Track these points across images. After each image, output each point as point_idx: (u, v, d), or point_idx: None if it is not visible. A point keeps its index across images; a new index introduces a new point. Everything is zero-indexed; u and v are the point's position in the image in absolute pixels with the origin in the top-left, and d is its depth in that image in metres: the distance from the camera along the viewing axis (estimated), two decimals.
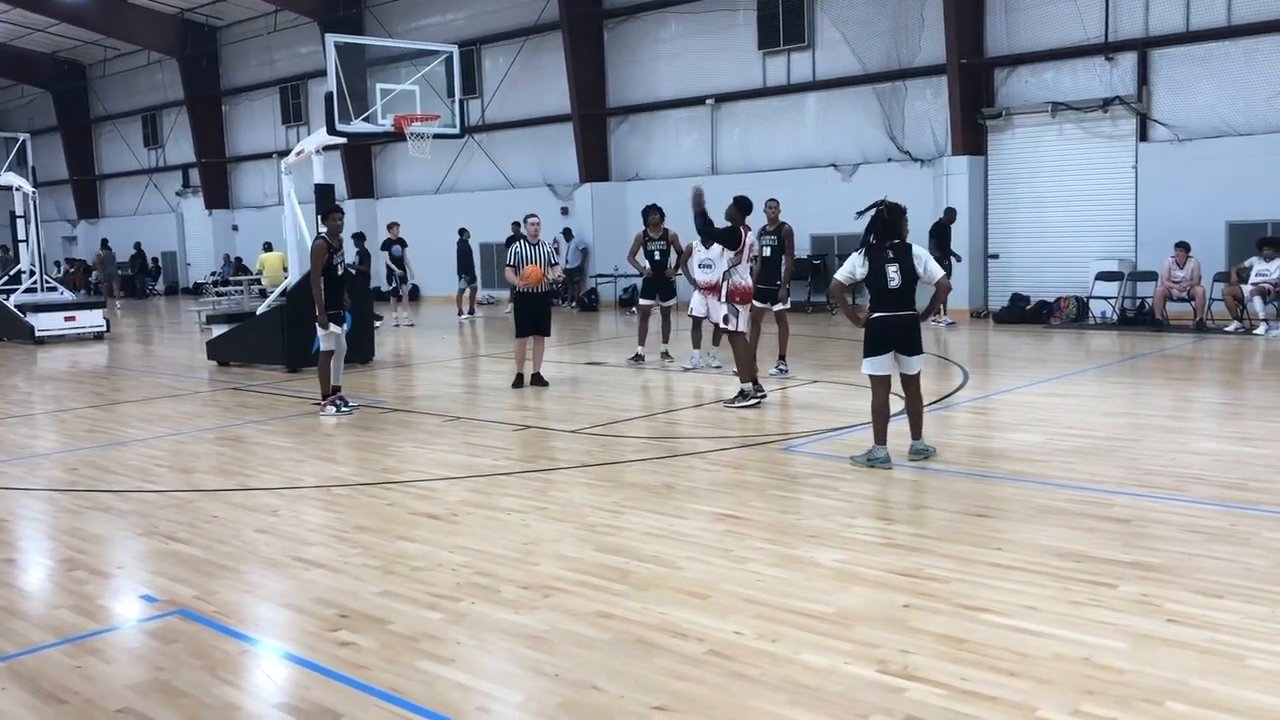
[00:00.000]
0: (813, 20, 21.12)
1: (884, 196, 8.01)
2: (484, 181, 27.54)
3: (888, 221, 7.68)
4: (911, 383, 7.85)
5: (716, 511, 6.65)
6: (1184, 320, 16.34)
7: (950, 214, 18.19)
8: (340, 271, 10.84)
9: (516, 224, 21.26)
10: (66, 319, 20.06)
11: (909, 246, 7.73)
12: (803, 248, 19.02)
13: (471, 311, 22.70)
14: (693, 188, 10.61)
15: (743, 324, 10.61)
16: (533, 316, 12.02)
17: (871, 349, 7.69)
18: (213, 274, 32.26)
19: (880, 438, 7.68)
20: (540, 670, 4.35)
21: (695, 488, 7.31)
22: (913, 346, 7.74)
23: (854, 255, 7.74)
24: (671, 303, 13.79)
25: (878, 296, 7.65)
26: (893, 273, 7.57)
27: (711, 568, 5.56)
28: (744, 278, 10.61)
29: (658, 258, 13.59)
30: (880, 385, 7.71)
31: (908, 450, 7.87)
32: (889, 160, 20.38)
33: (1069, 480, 7.19)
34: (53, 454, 9.42)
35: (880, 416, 7.71)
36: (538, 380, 12.16)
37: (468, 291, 22.56)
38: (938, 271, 7.85)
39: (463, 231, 22.70)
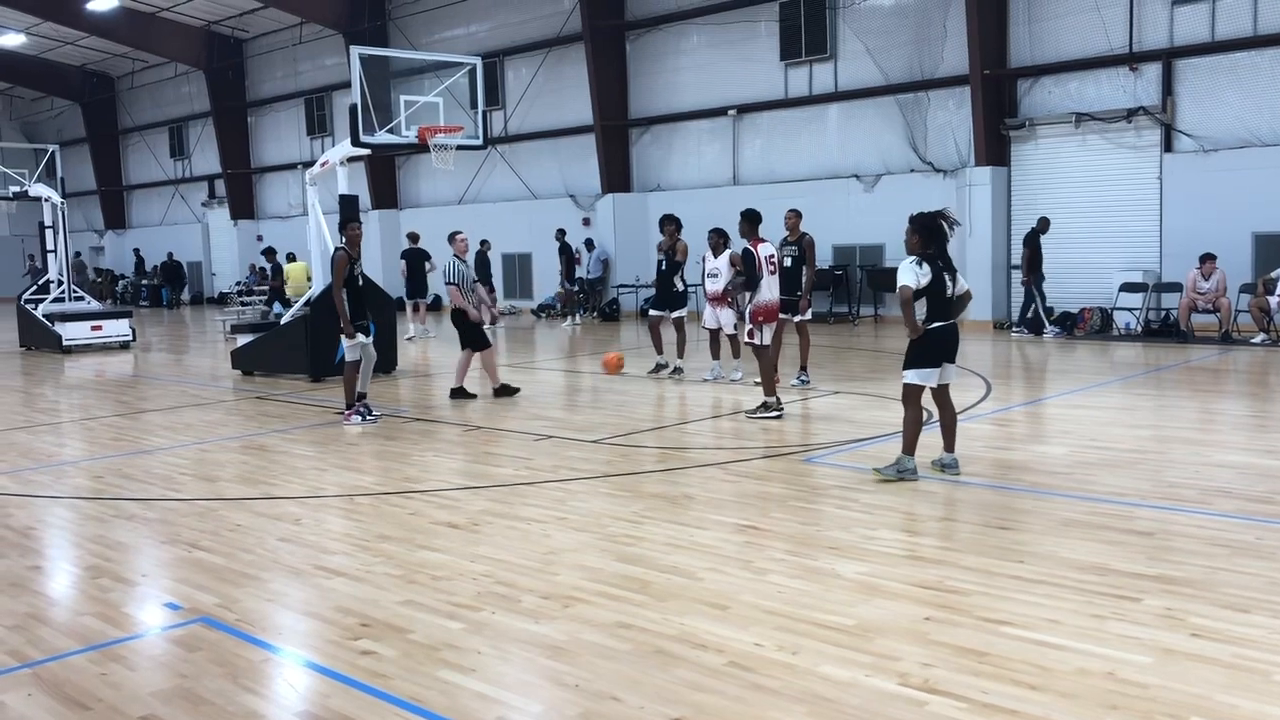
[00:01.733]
0: (835, 31, 21.12)
1: (943, 207, 7.90)
2: (506, 192, 27.66)
3: (943, 231, 7.58)
4: (945, 393, 7.80)
5: (737, 522, 6.64)
6: (1209, 332, 16.22)
7: (1044, 223, 17.89)
8: (360, 282, 10.92)
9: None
10: (93, 328, 20.25)
11: (949, 257, 7.68)
12: (824, 258, 18.98)
13: (493, 321, 22.71)
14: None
15: (767, 338, 10.59)
16: (475, 329, 12.16)
17: (926, 360, 7.53)
18: (238, 284, 32.53)
19: (911, 449, 7.61)
20: (560, 680, 4.36)
21: (715, 498, 7.31)
22: (955, 356, 7.71)
23: (910, 264, 7.47)
24: (681, 313, 13.50)
25: (937, 306, 7.51)
26: (949, 281, 7.51)
27: (731, 579, 5.55)
28: (771, 293, 10.59)
29: (663, 268, 13.53)
30: (919, 395, 7.60)
31: (931, 463, 7.82)
32: (911, 171, 20.35)
33: (1092, 493, 7.14)
34: (79, 462, 9.51)
35: (917, 426, 7.61)
36: (505, 391, 12.32)
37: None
38: (965, 283, 7.80)
39: (484, 243, 22.78)
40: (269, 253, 25.86)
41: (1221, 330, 15.97)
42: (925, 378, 7.55)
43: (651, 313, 13.95)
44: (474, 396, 12.26)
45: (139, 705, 4.25)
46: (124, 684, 4.48)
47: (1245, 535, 6.05)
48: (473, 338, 12.20)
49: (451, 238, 12.49)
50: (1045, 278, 17.68)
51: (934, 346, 7.53)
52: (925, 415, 7.77)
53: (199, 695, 4.32)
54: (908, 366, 7.60)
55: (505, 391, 12.34)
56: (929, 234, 7.53)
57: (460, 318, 12.18)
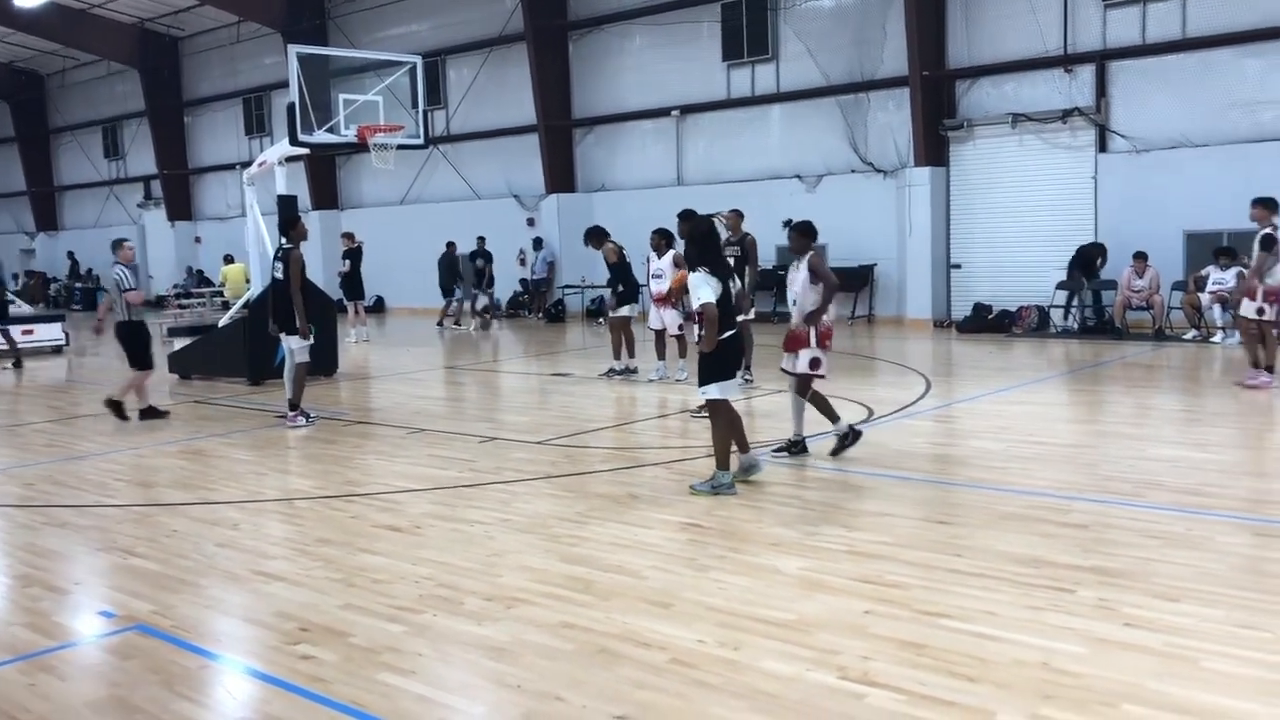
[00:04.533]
0: (776, 32, 21.26)
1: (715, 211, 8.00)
2: (450, 192, 27.47)
3: (718, 237, 7.58)
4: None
5: (680, 520, 6.66)
6: (1143, 329, 16.57)
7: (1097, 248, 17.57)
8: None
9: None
10: (24, 332, 19.77)
11: (724, 262, 7.57)
12: (767, 258, 19.08)
13: (458, 323, 22.69)
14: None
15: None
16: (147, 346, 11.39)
17: (725, 371, 7.34)
18: (175, 286, 31.99)
19: (725, 462, 7.34)
20: (502, 681, 4.34)
21: (659, 497, 7.32)
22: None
23: (703, 277, 7.17)
24: (623, 313, 13.46)
25: (725, 315, 7.30)
26: (731, 287, 7.43)
27: (675, 577, 5.57)
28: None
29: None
30: (726, 408, 7.40)
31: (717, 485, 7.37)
32: (852, 171, 20.53)
33: (1029, 487, 7.26)
34: (8, 469, 9.28)
35: (728, 440, 7.37)
36: (151, 413, 11.46)
37: (461, 304, 22.64)
38: (737, 281, 7.82)
39: (450, 245, 22.62)
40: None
41: (1155, 327, 16.31)
42: (727, 390, 7.35)
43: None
44: (167, 414, 11.51)
45: (71, 716, 4.16)
46: (55, 695, 4.39)
47: (1176, 526, 6.18)
48: (142, 355, 11.33)
49: (118, 245, 11.49)
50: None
51: (729, 356, 7.34)
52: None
53: (133, 704, 4.24)
54: (706, 382, 7.31)
55: (152, 414, 11.43)
56: (703, 242, 7.31)
57: (132, 331, 11.28)
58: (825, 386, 8.29)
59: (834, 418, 8.20)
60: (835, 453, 8.21)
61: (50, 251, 40.74)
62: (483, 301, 22.24)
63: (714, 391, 7.34)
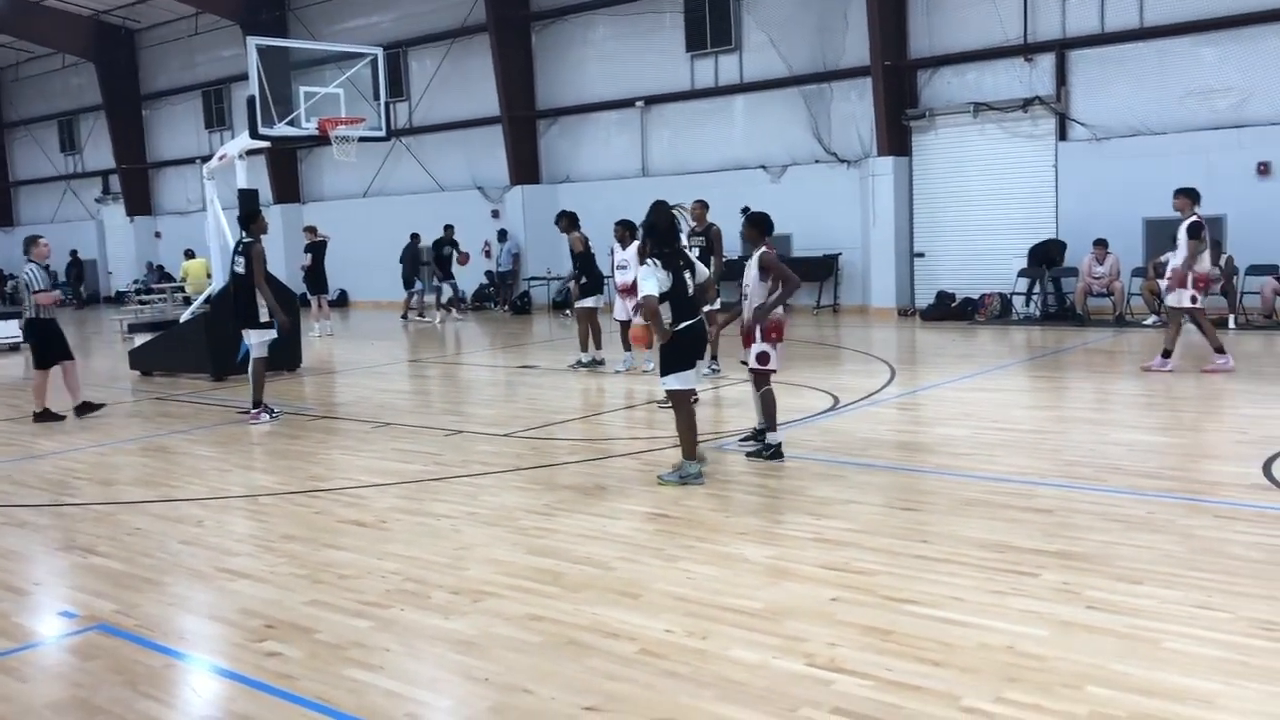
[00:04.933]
0: (739, 23, 21.26)
1: (678, 203, 7.85)
2: (413, 184, 27.30)
3: (676, 229, 7.54)
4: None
5: (648, 511, 6.67)
6: (1104, 315, 16.75)
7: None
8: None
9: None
10: None
11: (685, 253, 7.58)
12: (732, 248, 19.15)
13: (421, 314, 22.60)
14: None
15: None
16: (59, 339, 11.22)
17: (683, 362, 7.33)
18: (135, 282, 31.59)
19: (691, 452, 7.40)
20: (470, 675, 4.33)
21: (627, 488, 7.32)
22: (704, 352, 7.64)
23: (650, 269, 7.18)
24: (588, 304, 13.46)
25: (682, 306, 7.31)
26: (688, 278, 7.38)
27: (643, 567, 5.57)
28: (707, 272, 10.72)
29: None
30: (687, 399, 7.42)
31: (685, 475, 7.39)
32: (816, 161, 20.59)
33: (993, 472, 7.33)
34: None
35: (693, 429, 7.42)
36: (86, 408, 11.33)
37: (422, 296, 22.58)
38: (706, 271, 7.76)
39: (414, 236, 22.57)
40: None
41: (1116, 313, 16.50)
42: (686, 380, 7.33)
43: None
44: (63, 418, 11.25)
45: (32, 718, 4.11)
46: (15, 697, 4.33)
47: (1138, 510, 6.26)
48: (56, 350, 11.19)
49: (31, 243, 11.28)
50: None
51: (687, 347, 7.30)
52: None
53: (96, 705, 4.19)
54: (666, 373, 7.34)
55: (87, 409, 11.36)
56: (655, 234, 7.32)
57: (38, 330, 11.14)
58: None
59: (772, 425, 7.97)
60: (751, 454, 8.01)
61: (5, 249, 40.06)
62: (448, 293, 22.13)
63: (673, 383, 7.34)
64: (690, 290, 7.36)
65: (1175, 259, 11.40)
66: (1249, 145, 16.18)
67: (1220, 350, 11.32)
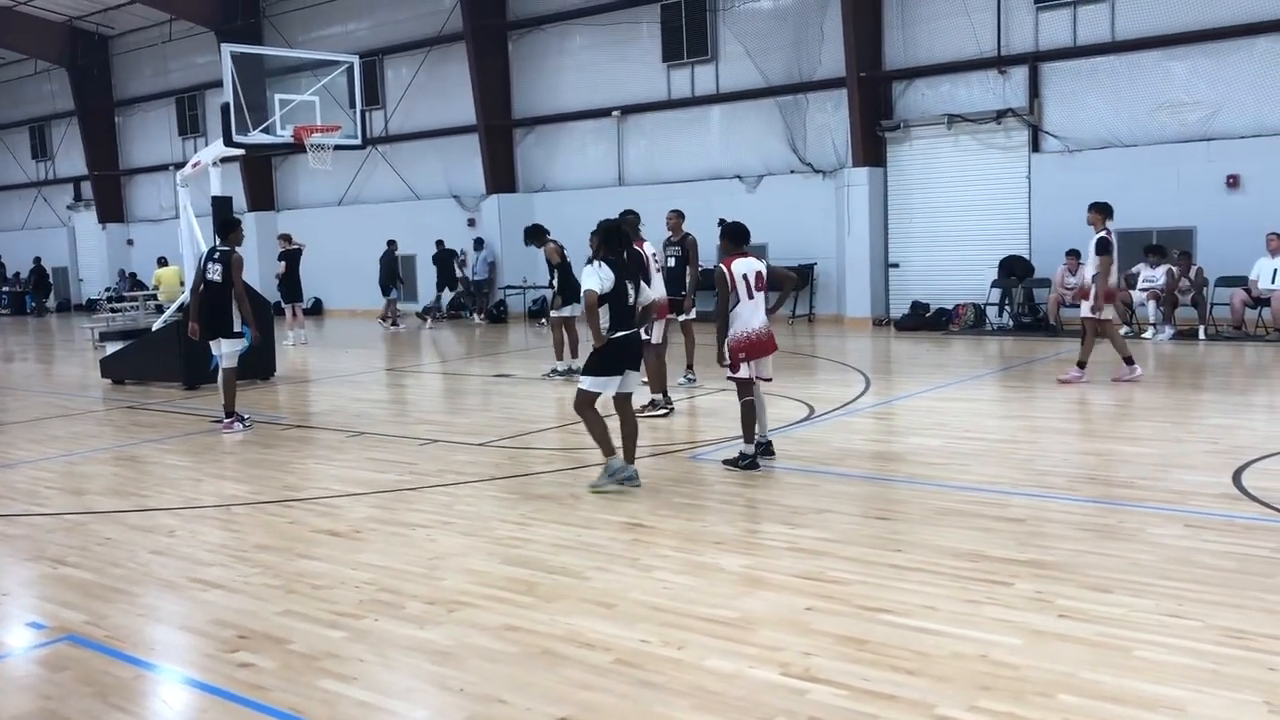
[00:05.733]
0: (715, 33, 21.35)
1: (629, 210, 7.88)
2: (389, 193, 27.23)
3: (626, 236, 7.54)
4: (625, 402, 7.62)
5: (624, 521, 6.66)
6: (1076, 325, 16.83)
7: None
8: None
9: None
10: None
11: (635, 265, 7.63)
12: (708, 258, 19.19)
13: (395, 323, 22.53)
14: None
15: (656, 336, 10.70)
16: None
17: (606, 368, 7.36)
18: (107, 290, 31.34)
19: (610, 450, 7.44)
20: (445, 685, 4.31)
21: (603, 498, 7.31)
22: (639, 364, 7.59)
23: (593, 268, 7.28)
24: (565, 313, 13.42)
25: (620, 314, 7.33)
26: (631, 289, 7.40)
27: (619, 577, 5.57)
28: (658, 291, 10.74)
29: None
30: (590, 402, 7.41)
31: (607, 477, 7.45)
32: (792, 172, 20.70)
33: (966, 482, 7.37)
34: None
35: (601, 428, 7.43)
36: None
37: (395, 304, 22.56)
38: (653, 293, 7.77)
39: (390, 244, 22.52)
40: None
41: None
42: (601, 385, 7.35)
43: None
44: None
45: None
46: None
47: (1109, 519, 6.32)
48: None
49: None
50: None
51: (616, 355, 7.31)
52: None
53: (65, 717, 4.15)
54: (585, 373, 7.45)
55: None
56: (608, 238, 7.37)
57: None
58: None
59: (748, 437, 7.91)
60: (727, 463, 8.01)
61: None
62: (447, 298, 22.24)
63: (585, 382, 7.41)
64: (631, 300, 7.36)
65: (1085, 273, 11.65)
66: (1218, 158, 16.38)
67: (1129, 361, 11.62)
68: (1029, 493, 7.02)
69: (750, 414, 7.92)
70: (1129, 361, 11.58)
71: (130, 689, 4.46)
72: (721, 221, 8.16)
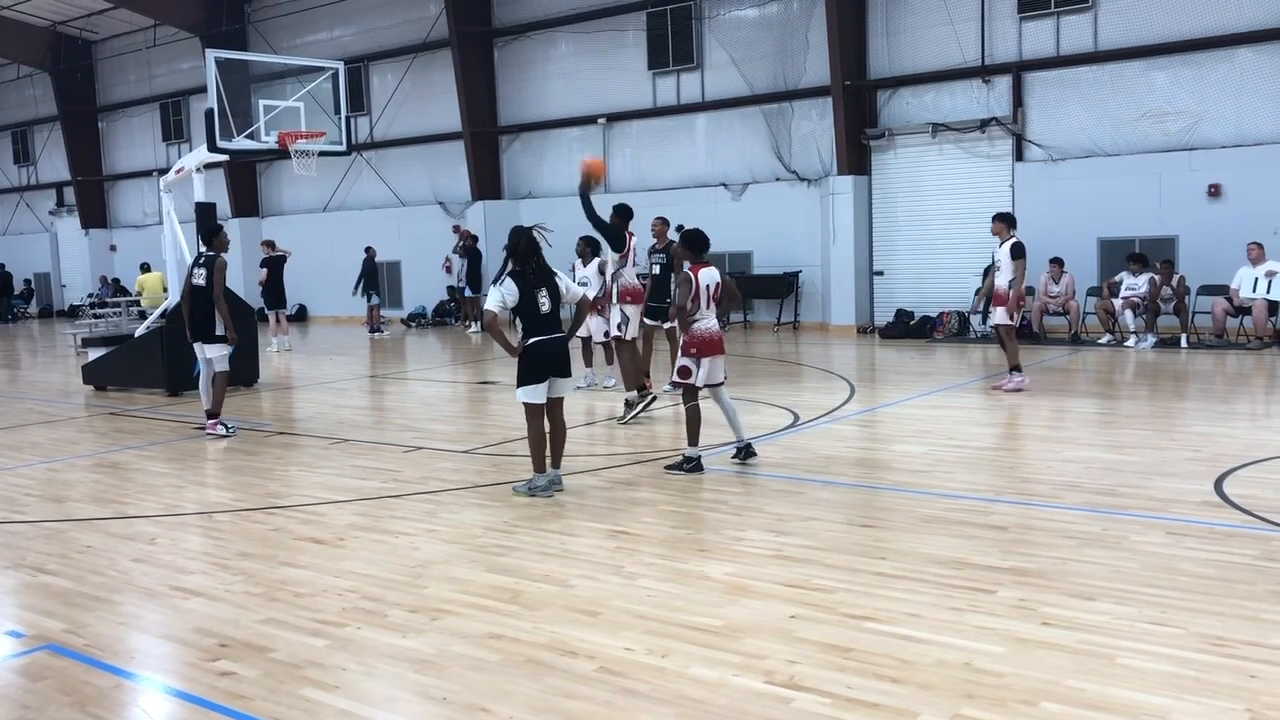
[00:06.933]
0: (701, 42, 21.40)
1: (538, 222, 7.83)
2: (374, 199, 27.19)
3: (534, 248, 7.54)
4: (556, 408, 7.69)
5: (608, 528, 6.65)
6: (1059, 333, 16.97)
7: None
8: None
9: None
10: None
11: (547, 271, 7.59)
12: None
13: (377, 329, 22.47)
14: (585, 158, 9.69)
15: (632, 330, 10.77)
16: None
17: (530, 376, 7.47)
18: (89, 296, 31.14)
19: (540, 465, 7.57)
20: (428, 694, 4.29)
21: (587, 505, 7.30)
22: (567, 369, 7.64)
23: (496, 287, 7.44)
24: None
25: (532, 323, 7.42)
26: (540, 297, 7.46)
27: (603, 585, 5.55)
28: (631, 279, 10.90)
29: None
30: (535, 413, 7.51)
31: (527, 484, 7.61)
32: (777, 180, 20.75)
33: (951, 490, 7.38)
34: None
35: (539, 443, 7.55)
36: None
37: (377, 309, 22.58)
38: (576, 290, 7.83)
39: (369, 250, 22.49)
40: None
41: (1071, 331, 16.73)
42: (531, 395, 7.45)
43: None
44: None
45: None
46: None
47: (1092, 527, 6.34)
48: None
49: None
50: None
51: (536, 362, 7.41)
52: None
53: None
54: (518, 385, 7.55)
55: None
56: (514, 252, 7.47)
57: None
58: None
59: (692, 440, 8.16)
60: (669, 468, 8.21)
61: None
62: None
63: (522, 395, 7.53)
64: (545, 309, 7.43)
65: (1000, 280, 11.77)
66: (1200, 167, 16.50)
67: (1017, 369, 11.83)
68: (1013, 500, 7.04)
69: (695, 418, 8.21)
70: (1015, 369, 11.83)
71: (110, 698, 4.43)
72: (680, 228, 8.32)
